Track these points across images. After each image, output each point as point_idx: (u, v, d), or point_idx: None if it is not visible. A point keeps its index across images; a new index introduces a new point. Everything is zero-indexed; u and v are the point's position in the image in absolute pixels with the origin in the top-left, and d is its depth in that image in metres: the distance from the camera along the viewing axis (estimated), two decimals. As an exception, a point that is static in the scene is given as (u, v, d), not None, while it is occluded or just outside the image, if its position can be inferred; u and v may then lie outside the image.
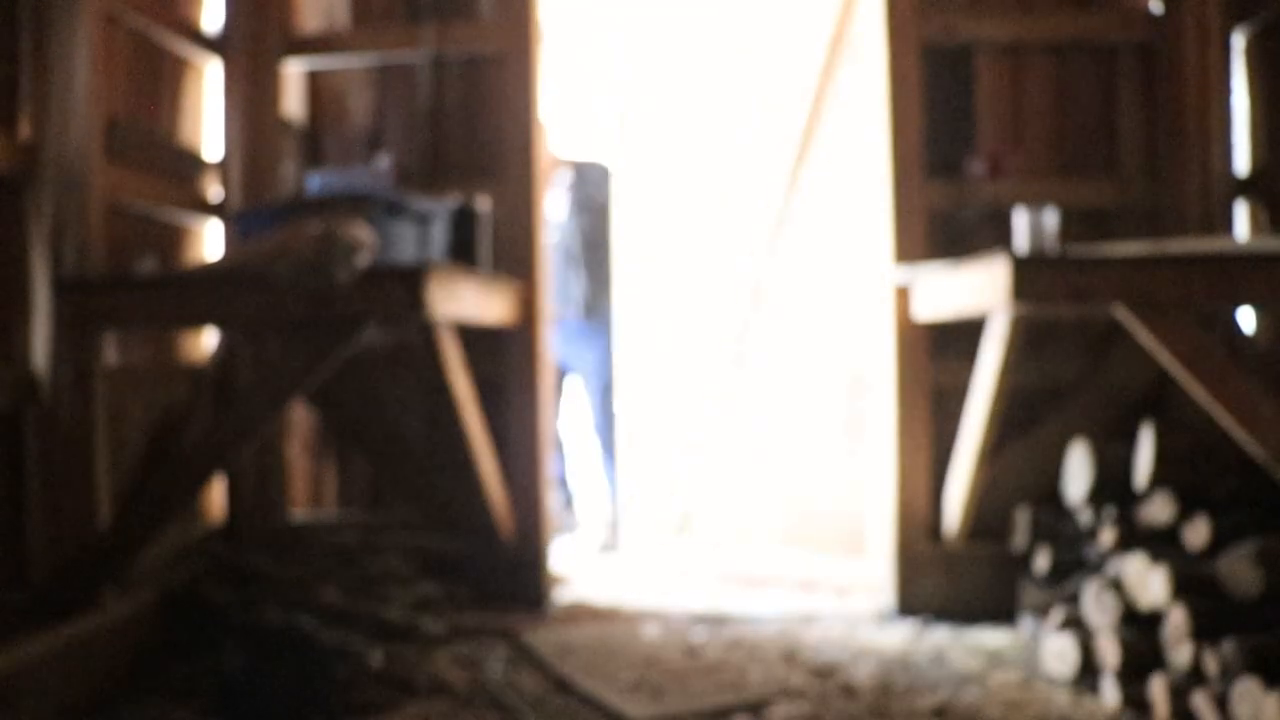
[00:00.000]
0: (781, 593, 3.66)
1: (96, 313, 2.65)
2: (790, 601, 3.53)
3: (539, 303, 3.37)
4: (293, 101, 3.52)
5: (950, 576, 3.19)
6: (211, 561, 2.98)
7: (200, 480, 2.82)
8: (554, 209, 4.20)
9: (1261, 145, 3.18)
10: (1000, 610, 3.08)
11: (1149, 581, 2.45)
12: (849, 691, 2.62)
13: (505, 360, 3.35)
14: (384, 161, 3.33)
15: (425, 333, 2.89)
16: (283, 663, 2.53)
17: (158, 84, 3.23)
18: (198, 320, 3.01)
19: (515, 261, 3.34)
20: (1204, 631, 2.31)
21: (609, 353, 4.50)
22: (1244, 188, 3.14)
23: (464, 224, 3.13)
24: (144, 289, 2.68)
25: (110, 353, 2.88)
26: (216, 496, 3.43)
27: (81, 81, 2.63)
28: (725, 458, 4.45)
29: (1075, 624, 2.66)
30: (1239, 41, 3.20)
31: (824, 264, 4.04)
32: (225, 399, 3.15)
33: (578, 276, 4.39)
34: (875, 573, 3.46)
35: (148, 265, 2.77)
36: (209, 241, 3.48)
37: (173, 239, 3.30)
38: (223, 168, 3.43)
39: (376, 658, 2.60)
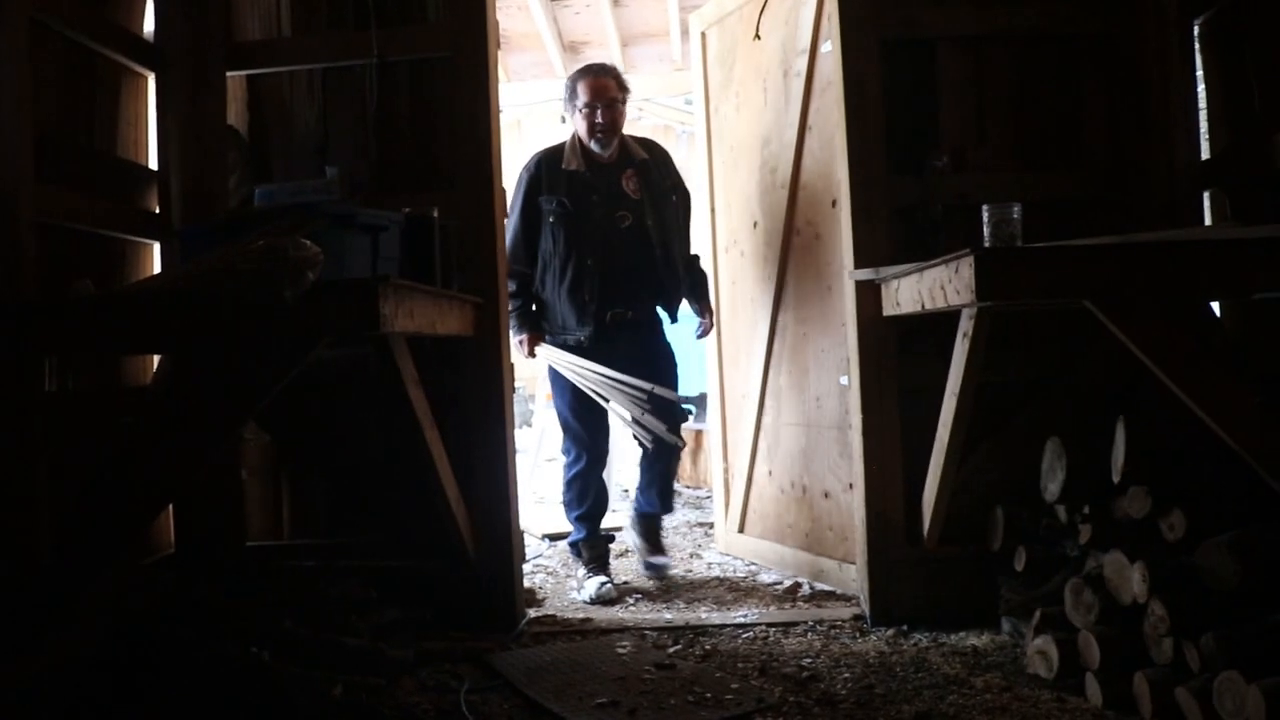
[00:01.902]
0: (759, 600, 3.62)
1: (30, 339, 2.53)
2: (767, 609, 3.47)
3: (498, 313, 3.29)
4: (235, 112, 3.42)
5: (928, 580, 3.15)
6: (162, 592, 2.88)
7: (148, 508, 2.70)
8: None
9: (1222, 133, 3.17)
10: (981, 612, 3.04)
11: (1128, 577, 2.43)
12: (829, 701, 2.56)
13: (464, 373, 3.27)
14: (332, 172, 3.23)
15: (380, 348, 2.80)
16: (240, 697, 2.43)
17: (93, 96, 3.12)
18: (139, 343, 2.89)
19: (472, 271, 3.25)
20: (1185, 625, 2.30)
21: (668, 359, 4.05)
22: (1209, 177, 3.12)
23: (417, 235, 3.04)
24: (81, 312, 2.56)
25: (50, 379, 2.78)
26: (166, 524, 3.32)
27: (8, 93, 2.52)
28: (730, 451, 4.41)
29: (1056, 623, 2.63)
30: (1199, 30, 3.18)
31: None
32: (172, 423, 3.03)
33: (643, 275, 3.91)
34: (856, 577, 3.41)
35: (84, 287, 2.65)
36: (151, 260, 3.38)
37: (112, 258, 3.19)
38: (163, 183, 3.32)
39: (338, 688, 2.50)
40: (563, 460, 4.09)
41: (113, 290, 2.99)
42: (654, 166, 3.96)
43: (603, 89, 3.86)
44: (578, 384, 3.86)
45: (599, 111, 3.84)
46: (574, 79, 3.95)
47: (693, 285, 4.08)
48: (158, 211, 3.33)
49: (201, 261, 2.58)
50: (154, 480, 2.59)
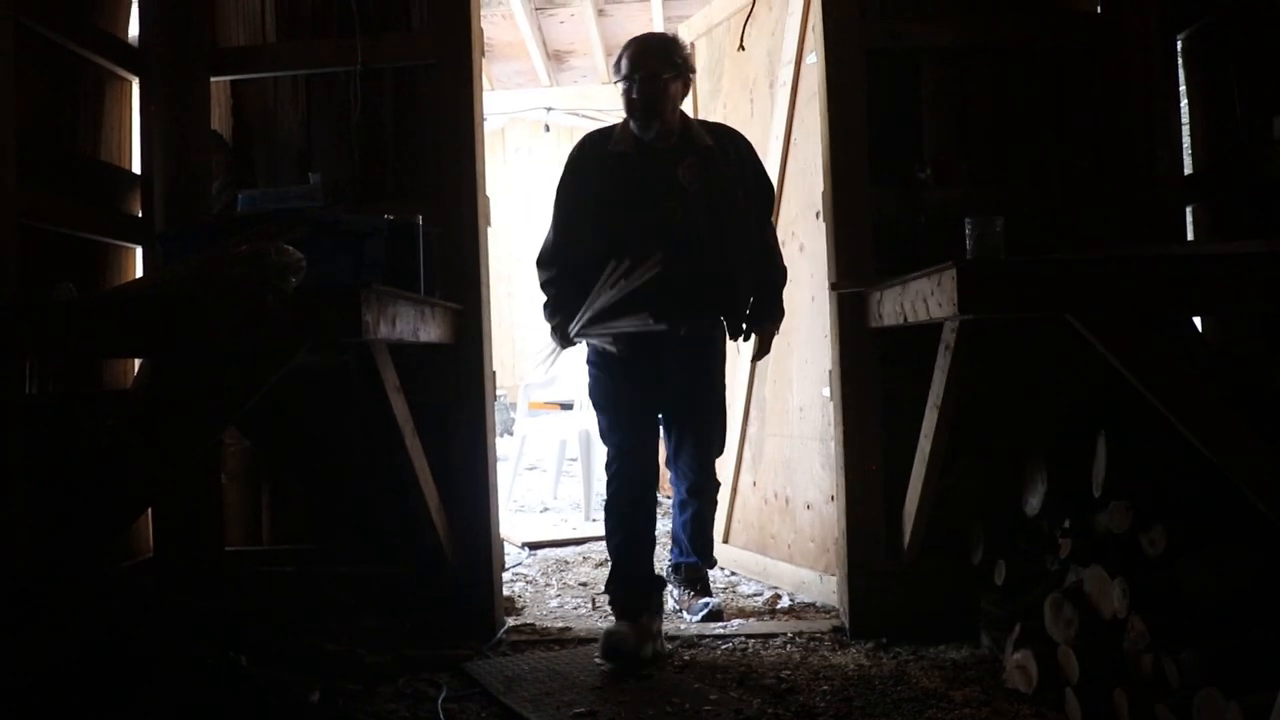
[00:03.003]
0: (739, 611, 3.61)
1: (10, 341, 2.51)
2: (746, 620, 3.47)
3: (481, 321, 3.28)
4: (219, 117, 3.40)
5: (908, 593, 3.15)
6: (140, 598, 2.86)
7: (127, 512, 2.69)
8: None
9: (1203, 148, 3.19)
10: (961, 626, 3.04)
11: (1108, 592, 2.43)
12: (808, 714, 2.56)
13: (447, 381, 3.26)
14: (315, 178, 3.22)
15: (362, 355, 2.79)
16: (217, 702, 2.42)
17: (77, 100, 3.11)
18: (120, 347, 2.88)
19: (456, 278, 3.24)
20: (1165, 641, 2.29)
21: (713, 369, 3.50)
22: (1191, 190, 3.14)
23: (400, 241, 3.03)
24: (62, 315, 2.54)
25: (30, 381, 2.76)
26: (145, 528, 3.30)
27: (-11, 97, 2.51)
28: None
29: (1036, 637, 2.62)
30: (1182, 45, 3.20)
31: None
32: (153, 427, 3.02)
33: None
34: (836, 589, 3.41)
35: (65, 290, 2.64)
36: (133, 264, 3.36)
37: (95, 262, 3.18)
38: (146, 187, 3.31)
39: (316, 694, 2.49)
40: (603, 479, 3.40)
41: (94, 294, 2.98)
42: (720, 155, 3.28)
43: (643, 59, 3.20)
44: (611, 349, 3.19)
45: (635, 85, 3.19)
46: (623, 48, 3.31)
47: (759, 303, 3.38)
48: (140, 216, 3.32)
49: (184, 266, 2.57)
50: (134, 484, 2.57)
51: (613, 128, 3.39)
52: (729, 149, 3.32)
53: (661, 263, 3.06)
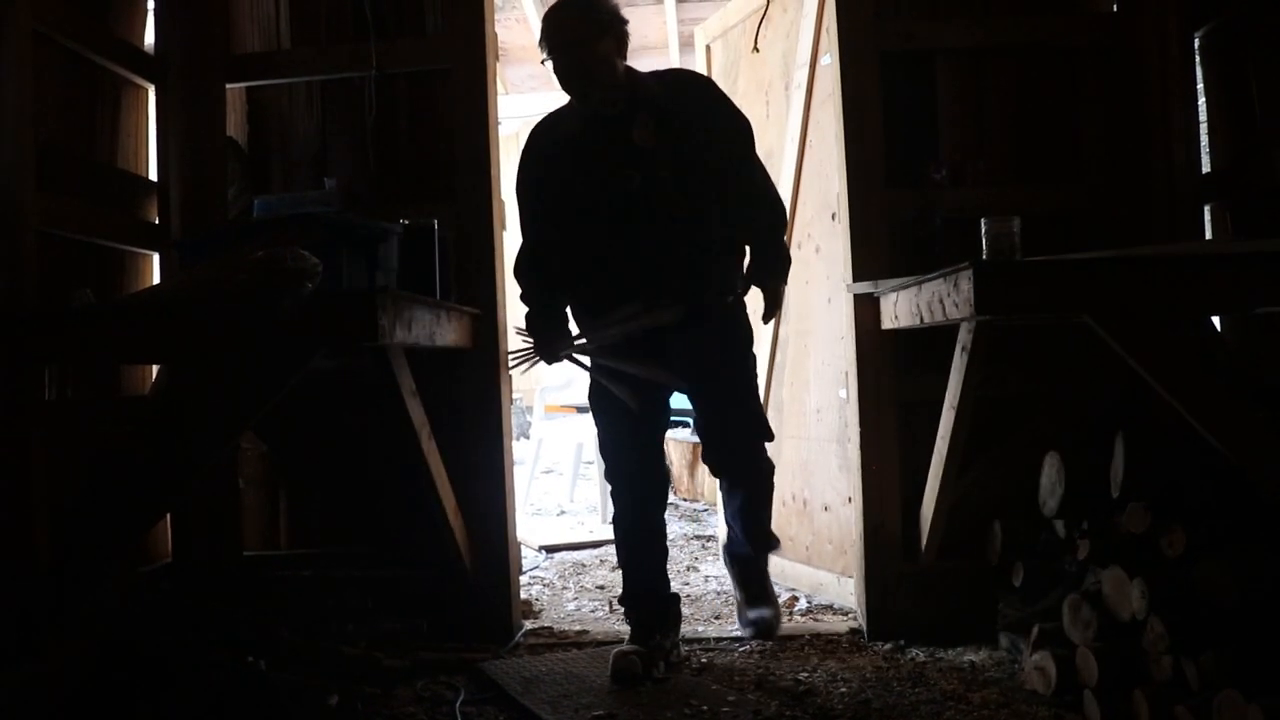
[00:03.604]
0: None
1: (30, 348, 2.53)
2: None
3: (497, 324, 3.29)
4: (235, 123, 3.42)
5: (926, 594, 3.14)
6: (159, 602, 2.88)
7: (146, 518, 2.71)
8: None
9: (1222, 147, 3.17)
10: (978, 627, 3.02)
11: (1127, 593, 2.41)
12: (826, 716, 2.55)
13: (463, 385, 3.26)
14: (330, 184, 3.23)
15: (378, 359, 2.80)
16: (236, 707, 2.43)
17: (95, 106, 3.13)
18: (138, 353, 2.89)
19: (471, 282, 3.25)
20: (1184, 642, 2.28)
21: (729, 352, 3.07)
22: (1209, 190, 3.12)
23: (416, 246, 3.04)
24: (80, 322, 2.56)
25: (49, 387, 2.78)
26: (164, 533, 3.32)
27: (10, 104, 2.52)
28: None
29: (1054, 639, 2.61)
30: (1200, 43, 3.18)
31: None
32: (170, 432, 3.03)
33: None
34: (854, 591, 3.40)
35: (84, 297, 2.65)
36: (150, 270, 3.38)
37: (112, 268, 3.20)
38: (163, 193, 3.33)
39: (334, 698, 2.50)
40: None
41: (112, 300, 3.00)
42: (673, 102, 2.90)
43: (557, 30, 2.83)
44: (613, 370, 2.95)
45: (559, 60, 2.84)
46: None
47: (755, 252, 3.03)
48: (157, 222, 3.34)
49: (200, 272, 2.59)
50: (152, 490, 2.59)
51: (560, 110, 3.06)
52: (686, 91, 2.97)
53: (676, 314, 2.87)
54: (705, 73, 4.45)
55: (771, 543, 3.31)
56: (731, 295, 3.02)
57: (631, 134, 2.88)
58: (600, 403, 3.05)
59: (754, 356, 3.12)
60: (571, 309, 3.06)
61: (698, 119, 2.91)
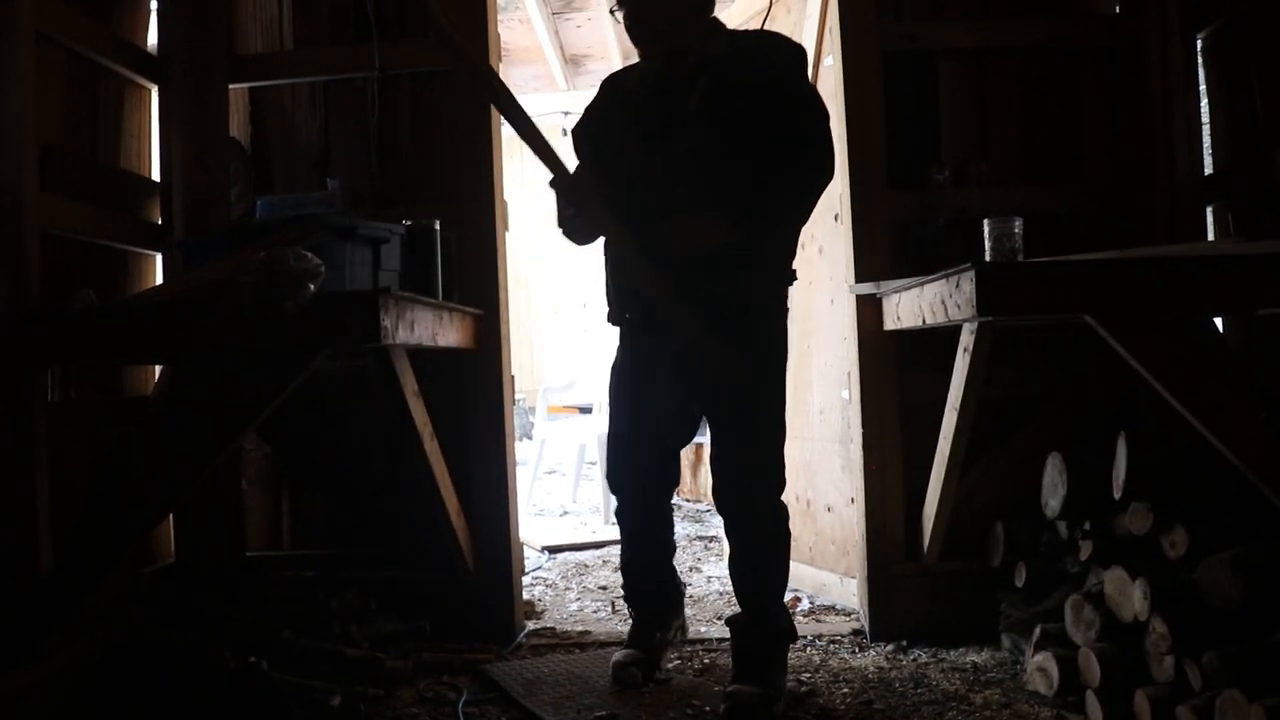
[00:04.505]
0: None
1: (32, 348, 2.54)
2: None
3: (500, 325, 3.29)
4: (237, 124, 3.43)
5: (928, 595, 3.14)
6: (162, 602, 2.88)
7: (149, 518, 2.71)
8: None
9: (1224, 148, 3.17)
10: (981, 628, 3.02)
11: (1129, 594, 2.41)
12: (827, 717, 2.55)
13: (466, 386, 3.26)
14: (333, 184, 3.23)
15: (380, 360, 2.80)
16: (238, 707, 2.43)
17: (97, 107, 3.13)
18: (140, 353, 2.90)
19: (474, 283, 3.25)
20: (1187, 643, 2.28)
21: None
22: (1211, 191, 3.12)
23: (419, 246, 3.05)
24: (82, 322, 2.56)
25: (53, 388, 2.78)
26: (167, 534, 3.32)
27: (13, 105, 2.53)
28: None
29: (1056, 640, 2.61)
30: (1202, 44, 3.18)
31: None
32: (173, 433, 3.04)
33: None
34: (856, 592, 3.40)
35: (86, 298, 2.66)
36: (153, 271, 3.38)
37: (115, 269, 3.20)
38: (165, 194, 3.33)
39: (337, 698, 2.50)
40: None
41: (114, 301, 3.00)
42: (738, 64, 2.55)
43: None
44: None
45: (622, 12, 2.60)
46: None
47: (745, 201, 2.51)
48: (160, 223, 3.34)
49: (203, 273, 2.60)
50: (155, 490, 2.60)
51: (637, 64, 2.81)
52: (751, 62, 2.56)
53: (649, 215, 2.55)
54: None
55: (780, 621, 2.69)
56: (760, 295, 2.66)
57: (690, 99, 2.56)
58: (611, 393, 2.83)
59: (783, 381, 2.67)
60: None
61: (750, 81, 2.53)
